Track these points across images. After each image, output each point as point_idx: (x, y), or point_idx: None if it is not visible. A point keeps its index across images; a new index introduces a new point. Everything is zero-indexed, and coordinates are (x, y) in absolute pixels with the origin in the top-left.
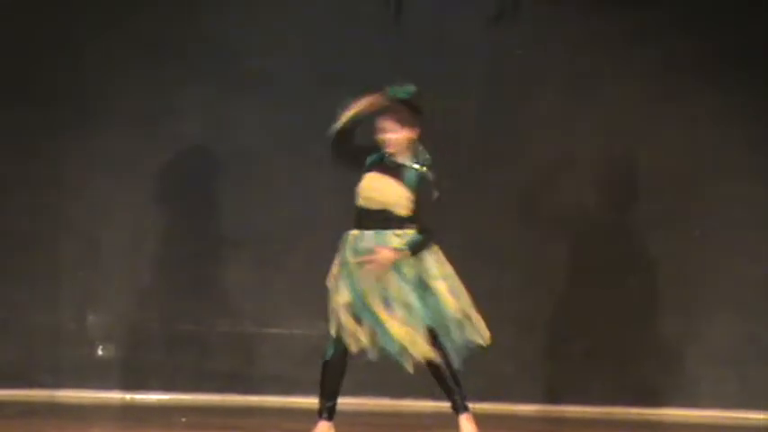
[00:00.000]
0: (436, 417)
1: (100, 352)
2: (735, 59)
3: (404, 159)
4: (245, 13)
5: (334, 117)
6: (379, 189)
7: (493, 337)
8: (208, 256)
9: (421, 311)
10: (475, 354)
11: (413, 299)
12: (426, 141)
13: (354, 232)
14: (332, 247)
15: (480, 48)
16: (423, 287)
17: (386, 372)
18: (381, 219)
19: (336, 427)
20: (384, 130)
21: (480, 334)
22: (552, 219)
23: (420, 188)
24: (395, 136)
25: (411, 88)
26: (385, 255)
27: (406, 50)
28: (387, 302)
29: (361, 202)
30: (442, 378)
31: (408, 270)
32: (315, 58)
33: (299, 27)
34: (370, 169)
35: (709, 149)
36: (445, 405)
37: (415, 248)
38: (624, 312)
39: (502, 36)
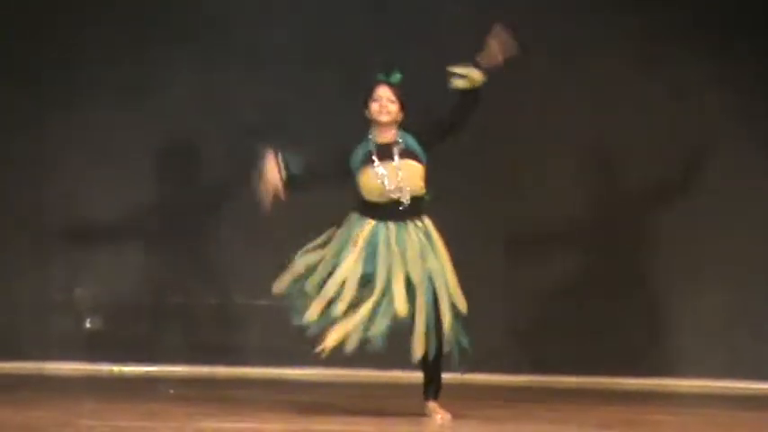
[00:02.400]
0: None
1: (87, 324)
2: (726, 26)
3: (393, 135)
4: None
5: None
6: (408, 176)
7: (482, 307)
8: (195, 229)
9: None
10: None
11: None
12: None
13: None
14: (318, 218)
15: (467, 21)
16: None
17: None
18: (408, 208)
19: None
20: (383, 98)
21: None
22: (541, 190)
23: (420, 134)
24: (394, 107)
25: (400, 74)
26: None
27: (392, 27)
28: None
29: (376, 198)
30: (435, 367)
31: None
32: (301, 33)
33: (286, 0)
34: (359, 168)
35: (698, 119)
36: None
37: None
38: (612, 283)
39: (486, 10)
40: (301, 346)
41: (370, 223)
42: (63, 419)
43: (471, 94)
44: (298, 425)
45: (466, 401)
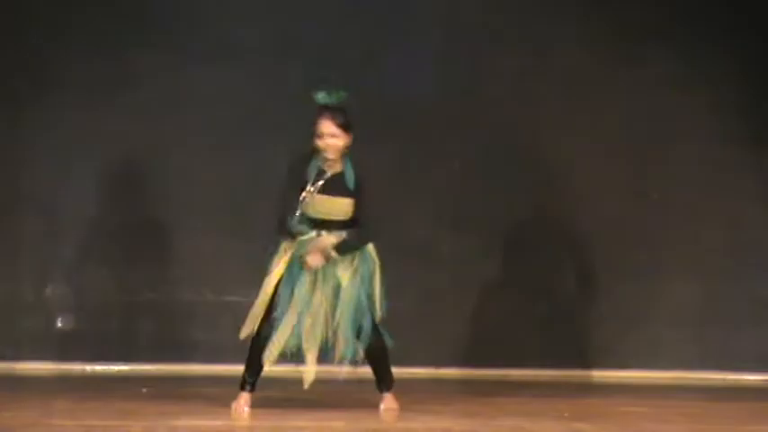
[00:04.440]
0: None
1: (59, 323)
2: (694, 23)
3: (340, 166)
4: None
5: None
6: (326, 210)
7: (454, 302)
8: (166, 226)
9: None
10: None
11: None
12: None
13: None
14: None
15: (438, 12)
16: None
17: None
18: (324, 225)
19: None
20: (326, 135)
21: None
22: (513, 182)
23: (360, 192)
24: (337, 142)
25: (343, 93)
26: (315, 258)
27: (365, 18)
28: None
29: (305, 213)
30: (380, 361)
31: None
32: (273, 24)
33: None
34: (307, 187)
35: (668, 113)
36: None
37: (345, 250)
38: (583, 275)
39: (459, 2)
40: None
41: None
42: (35, 419)
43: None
44: (270, 421)
45: (440, 396)
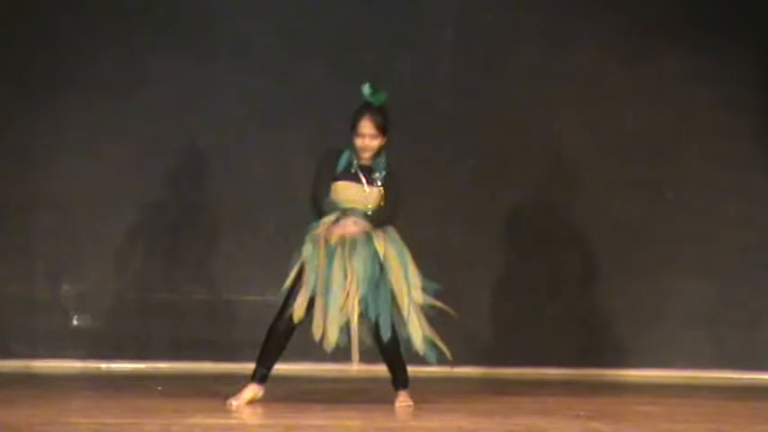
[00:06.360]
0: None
1: (75, 321)
2: (709, 20)
3: (372, 163)
4: None
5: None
6: (355, 199)
7: (470, 300)
8: (182, 224)
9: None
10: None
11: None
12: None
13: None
14: (304, 213)
15: (452, 12)
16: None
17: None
18: (350, 214)
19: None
20: (366, 136)
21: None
22: (526, 182)
23: (389, 185)
24: (375, 142)
25: (384, 95)
26: (349, 227)
27: (378, 16)
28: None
29: (334, 201)
30: (395, 357)
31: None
32: (287, 25)
33: None
34: (338, 177)
35: (683, 111)
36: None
37: (379, 221)
38: (598, 274)
39: (473, 1)
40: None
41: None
42: (51, 417)
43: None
44: (285, 419)
45: (454, 394)
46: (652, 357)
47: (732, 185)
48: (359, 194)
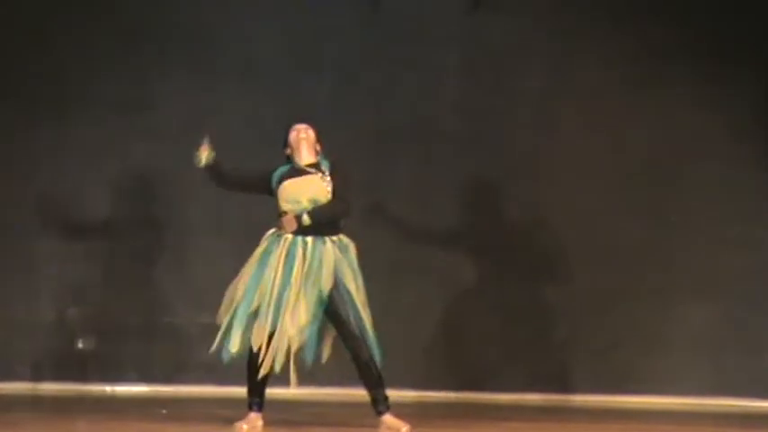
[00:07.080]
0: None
1: (80, 344)
2: (713, 47)
3: (313, 159)
4: (222, 0)
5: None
6: (303, 190)
7: (474, 327)
8: (186, 247)
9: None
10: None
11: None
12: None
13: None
14: None
15: (458, 35)
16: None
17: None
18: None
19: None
20: (301, 131)
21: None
22: (531, 206)
23: (336, 174)
24: (311, 136)
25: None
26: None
27: (385, 37)
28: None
29: (287, 207)
30: (369, 375)
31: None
32: (293, 45)
33: (277, 13)
34: (281, 180)
35: (688, 135)
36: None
37: (319, 215)
38: (602, 300)
39: (479, 24)
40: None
41: (286, 238)
42: None
43: None
44: None
45: (456, 420)
46: (653, 383)
47: (737, 210)
48: (308, 186)
